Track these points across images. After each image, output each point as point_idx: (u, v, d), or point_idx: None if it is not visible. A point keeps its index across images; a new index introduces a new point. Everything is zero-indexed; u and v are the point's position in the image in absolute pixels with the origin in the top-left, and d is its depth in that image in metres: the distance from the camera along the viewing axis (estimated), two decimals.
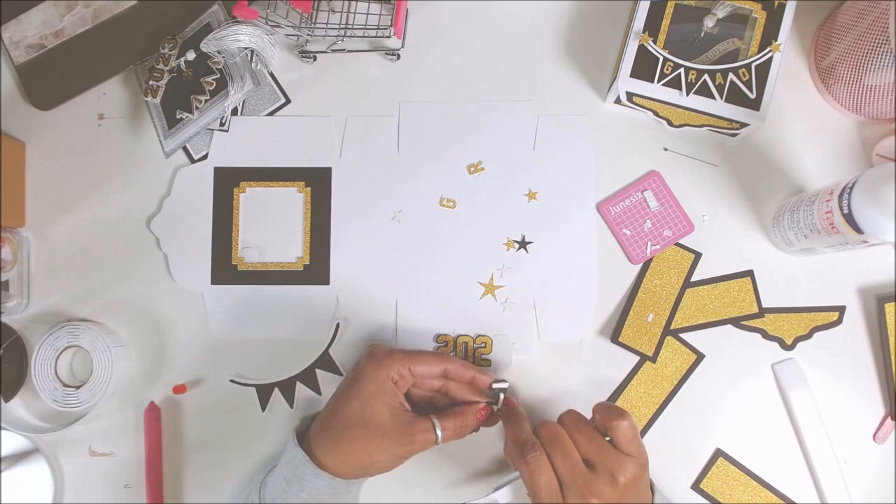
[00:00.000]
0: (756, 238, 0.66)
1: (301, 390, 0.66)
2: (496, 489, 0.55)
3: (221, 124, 0.68)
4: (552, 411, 0.65)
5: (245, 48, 0.66)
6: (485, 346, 0.66)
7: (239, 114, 0.69)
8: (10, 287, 0.68)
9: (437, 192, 0.68)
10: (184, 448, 0.67)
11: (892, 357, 0.64)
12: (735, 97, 0.62)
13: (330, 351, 0.66)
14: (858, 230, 0.53)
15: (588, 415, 0.56)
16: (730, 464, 0.64)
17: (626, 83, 0.62)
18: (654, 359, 0.65)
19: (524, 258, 0.67)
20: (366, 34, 0.67)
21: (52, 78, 0.70)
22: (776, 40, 0.62)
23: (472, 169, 0.68)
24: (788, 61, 0.67)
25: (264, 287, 0.67)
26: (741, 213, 0.66)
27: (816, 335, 0.65)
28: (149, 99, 0.67)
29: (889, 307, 0.64)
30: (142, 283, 0.68)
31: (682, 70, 0.62)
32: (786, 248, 0.65)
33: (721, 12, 0.62)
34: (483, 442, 0.64)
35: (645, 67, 0.62)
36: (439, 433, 0.57)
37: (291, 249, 0.68)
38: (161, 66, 0.66)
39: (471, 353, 0.66)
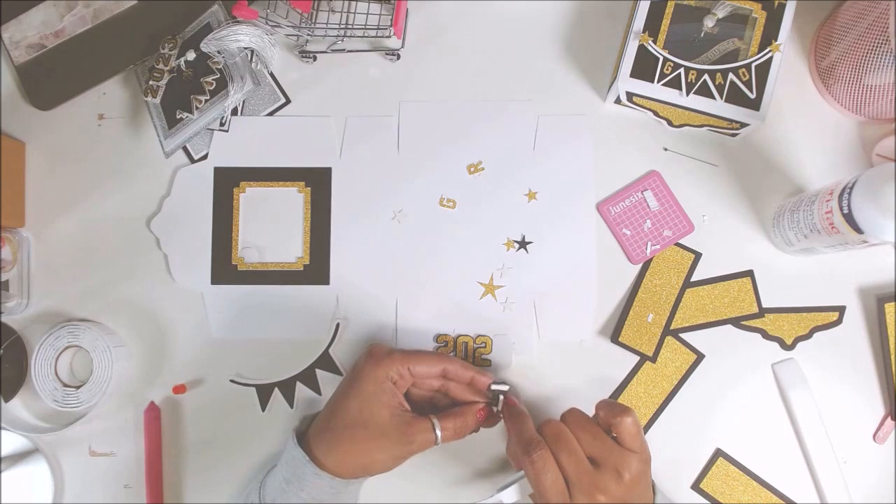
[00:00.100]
0: (756, 238, 0.66)
1: (301, 390, 0.66)
2: (500, 489, 0.55)
3: (221, 124, 0.68)
4: (552, 411, 0.65)
5: (245, 48, 0.66)
6: (485, 346, 0.66)
7: (239, 114, 0.69)
8: (10, 287, 0.68)
9: (437, 192, 0.68)
10: (184, 448, 0.67)
11: (892, 357, 0.64)
12: (735, 97, 0.62)
13: (330, 351, 0.66)
14: (858, 230, 0.53)
15: (590, 414, 0.56)
16: (730, 464, 0.64)
17: (626, 83, 0.62)
18: (654, 359, 0.65)
19: (524, 258, 0.67)
20: (366, 34, 0.67)
21: (52, 78, 0.70)
22: (776, 40, 0.62)
23: (472, 169, 0.68)
24: (788, 61, 0.67)
25: (264, 287, 0.67)
26: (741, 213, 0.66)
27: (816, 335, 0.65)
28: (149, 99, 0.67)
29: (889, 307, 0.64)
30: (142, 283, 0.68)
31: (682, 70, 0.62)
32: (786, 248, 0.65)
33: (721, 12, 0.62)
34: (485, 441, 0.64)
35: (645, 67, 0.62)
36: (439, 433, 0.57)
37: (291, 249, 0.68)
38: (161, 66, 0.66)
39: (471, 353, 0.66)
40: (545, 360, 0.66)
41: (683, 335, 0.66)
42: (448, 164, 0.68)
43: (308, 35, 0.67)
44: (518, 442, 0.54)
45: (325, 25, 0.66)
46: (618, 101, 0.66)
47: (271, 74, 0.69)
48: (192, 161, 0.69)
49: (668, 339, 0.65)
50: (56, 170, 0.70)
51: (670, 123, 0.66)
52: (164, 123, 0.68)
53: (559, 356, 0.66)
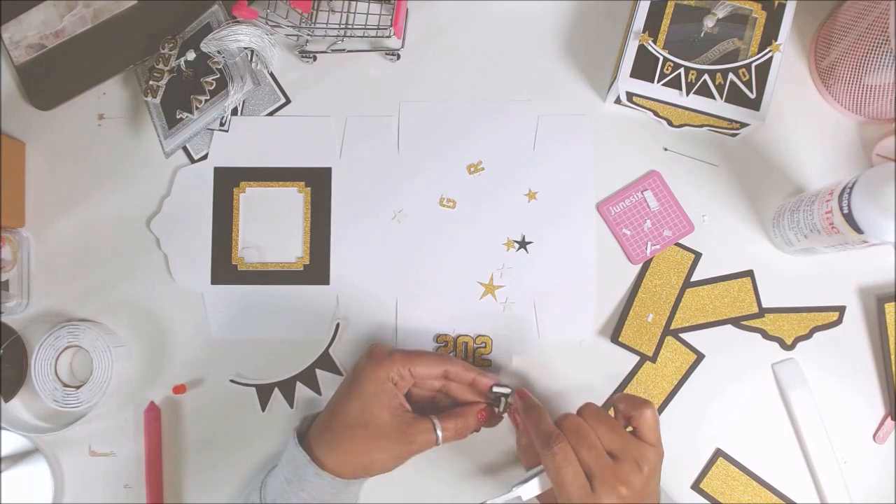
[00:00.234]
0: (756, 238, 0.66)
1: (301, 390, 0.66)
2: (517, 485, 0.54)
3: (221, 124, 0.68)
4: (553, 411, 0.65)
5: (245, 48, 0.66)
6: (485, 346, 0.66)
7: (239, 114, 0.69)
8: (10, 287, 0.68)
9: (437, 192, 0.68)
10: (184, 448, 0.67)
11: (892, 357, 0.64)
12: (735, 97, 0.62)
13: (330, 351, 0.66)
14: (858, 230, 0.53)
15: None
16: (730, 464, 0.64)
17: (626, 83, 0.62)
18: (654, 359, 0.65)
19: (524, 258, 0.67)
20: (366, 34, 0.67)
21: (52, 78, 0.70)
22: (776, 40, 0.62)
23: (472, 169, 0.68)
24: (788, 61, 0.67)
25: (264, 287, 0.67)
26: (741, 213, 0.66)
27: (816, 335, 0.65)
28: (149, 99, 0.67)
29: (889, 307, 0.64)
30: (142, 283, 0.68)
31: (682, 70, 0.62)
32: (786, 248, 0.65)
33: (721, 12, 0.62)
34: (492, 436, 0.63)
35: (645, 67, 0.62)
36: (440, 434, 0.57)
37: (291, 249, 0.68)
38: (161, 66, 0.66)
39: (471, 353, 0.66)
40: (545, 360, 0.66)
41: (683, 335, 0.66)
42: (448, 164, 0.68)
43: (308, 35, 0.67)
44: (536, 435, 0.53)
45: (325, 25, 0.66)
46: (618, 101, 0.66)
47: (271, 74, 0.69)
48: (192, 161, 0.69)
49: (668, 339, 0.65)
50: (56, 170, 0.70)
51: (670, 123, 0.66)
52: (164, 123, 0.68)
53: (559, 356, 0.66)
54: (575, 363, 0.66)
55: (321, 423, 0.58)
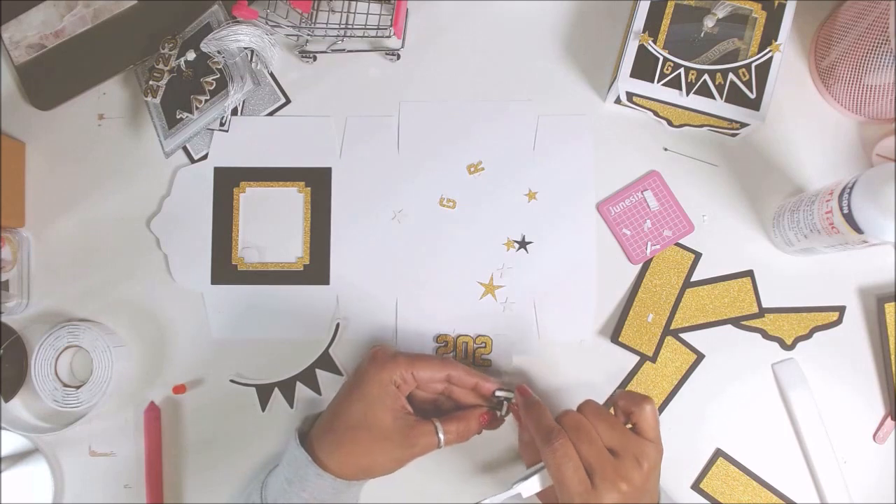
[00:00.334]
0: (756, 238, 0.66)
1: (301, 390, 0.66)
2: (517, 482, 0.54)
3: (221, 124, 0.68)
4: (553, 410, 0.65)
5: (245, 48, 0.66)
6: (485, 346, 0.66)
7: (239, 114, 0.69)
8: (10, 287, 0.68)
9: (437, 192, 0.68)
10: (184, 448, 0.67)
11: (892, 357, 0.64)
12: (735, 97, 0.62)
13: (330, 351, 0.66)
14: (858, 230, 0.53)
15: None
16: (730, 464, 0.64)
17: (626, 83, 0.62)
18: (654, 359, 0.65)
19: (524, 258, 0.67)
20: (366, 34, 0.67)
21: (52, 78, 0.70)
22: (776, 40, 0.62)
23: (472, 169, 0.68)
24: (788, 61, 0.67)
25: (264, 287, 0.67)
26: (741, 213, 0.66)
27: (816, 335, 0.65)
28: (149, 99, 0.67)
29: (889, 307, 0.64)
30: (142, 283, 0.68)
31: (682, 70, 0.62)
32: (786, 248, 0.65)
33: (721, 12, 0.62)
34: (495, 434, 0.63)
35: (645, 67, 0.62)
36: (441, 437, 0.57)
37: (291, 249, 0.68)
38: (161, 66, 0.66)
39: (471, 353, 0.66)
40: (545, 360, 0.66)
41: (683, 335, 0.66)
42: (448, 164, 0.68)
43: (308, 35, 0.67)
44: (537, 431, 0.53)
45: (325, 25, 0.66)
46: (618, 101, 0.66)
47: (271, 74, 0.69)
48: (192, 161, 0.69)
49: (668, 339, 0.65)
50: (56, 170, 0.70)
51: (670, 123, 0.66)
52: (164, 123, 0.68)
53: (559, 356, 0.66)
54: (575, 363, 0.66)
55: (323, 424, 0.58)
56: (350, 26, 0.66)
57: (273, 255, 0.68)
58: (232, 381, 0.66)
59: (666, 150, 0.67)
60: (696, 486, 0.65)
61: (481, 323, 0.66)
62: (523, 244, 0.67)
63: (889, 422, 0.64)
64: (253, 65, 0.68)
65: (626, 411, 0.55)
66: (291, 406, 0.66)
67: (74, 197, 0.70)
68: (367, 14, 0.66)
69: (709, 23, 0.62)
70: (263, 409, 0.66)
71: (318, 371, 0.66)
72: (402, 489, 0.64)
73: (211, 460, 0.67)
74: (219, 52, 0.66)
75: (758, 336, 0.65)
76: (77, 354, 0.68)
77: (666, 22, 0.63)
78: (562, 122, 0.68)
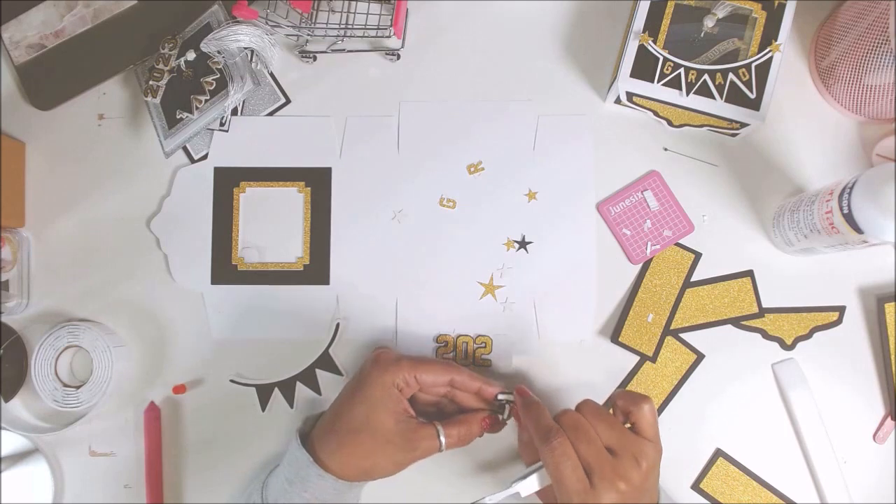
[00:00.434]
0: (756, 238, 0.66)
1: (301, 390, 0.66)
2: (516, 481, 0.54)
3: (221, 124, 0.68)
4: (552, 410, 0.65)
5: (245, 48, 0.66)
6: (485, 346, 0.66)
7: (239, 114, 0.69)
8: (10, 287, 0.68)
9: (437, 192, 0.68)
10: (184, 448, 0.67)
11: (892, 357, 0.64)
12: (735, 97, 0.62)
13: (330, 351, 0.66)
14: (858, 230, 0.53)
15: None
16: (730, 464, 0.64)
17: (626, 83, 0.62)
18: (654, 359, 0.65)
19: (524, 258, 0.67)
20: (366, 34, 0.67)
21: (52, 78, 0.70)
22: (776, 40, 0.62)
23: (472, 169, 0.68)
24: (788, 61, 0.67)
25: (264, 287, 0.67)
26: (741, 213, 0.66)
27: (816, 335, 0.65)
28: (149, 99, 0.67)
29: (889, 307, 0.64)
30: (142, 283, 0.68)
31: (682, 70, 0.62)
32: (786, 248, 0.65)
33: (721, 12, 0.62)
34: (488, 438, 0.63)
35: (645, 67, 0.62)
36: (443, 440, 0.57)
37: (291, 249, 0.68)
38: (161, 66, 0.66)
39: (471, 353, 0.66)
40: (545, 360, 0.66)
41: (683, 335, 0.66)
42: (448, 164, 0.68)
43: (308, 35, 0.67)
44: (535, 431, 0.53)
45: (325, 25, 0.66)
46: (618, 101, 0.66)
47: (271, 74, 0.69)
48: (192, 161, 0.69)
49: (668, 339, 0.65)
50: (56, 170, 0.70)
51: (670, 123, 0.66)
52: (164, 123, 0.68)
53: (559, 356, 0.66)
54: (575, 363, 0.66)
55: (325, 425, 0.58)
56: (350, 26, 0.66)
57: (273, 255, 0.68)
58: (232, 381, 0.66)
59: (666, 150, 0.67)
60: (696, 486, 0.65)
61: (481, 323, 0.66)
62: (523, 244, 0.67)
63: (889, 422, 0.64)
64: (253, 65, 0.68)
65: (625, 411, 0.55)
66: (291, 406, 0.66)
67: (74, 197, 0.70)
68: (367, 14, 0.66)
69: (709, 23, 0.62)
70: (263, 409, 0.66)
71: (318, 371, 0.66)
72: (402, 489, 0.64)
73: (211, 460, 0.67)
74: (219, 52, 0.66)
75: (758, 336, 0.65)
76: (77, 354, 0.68)
77: (666, 22, 0.63)
78: (562, 122, 0.68)
